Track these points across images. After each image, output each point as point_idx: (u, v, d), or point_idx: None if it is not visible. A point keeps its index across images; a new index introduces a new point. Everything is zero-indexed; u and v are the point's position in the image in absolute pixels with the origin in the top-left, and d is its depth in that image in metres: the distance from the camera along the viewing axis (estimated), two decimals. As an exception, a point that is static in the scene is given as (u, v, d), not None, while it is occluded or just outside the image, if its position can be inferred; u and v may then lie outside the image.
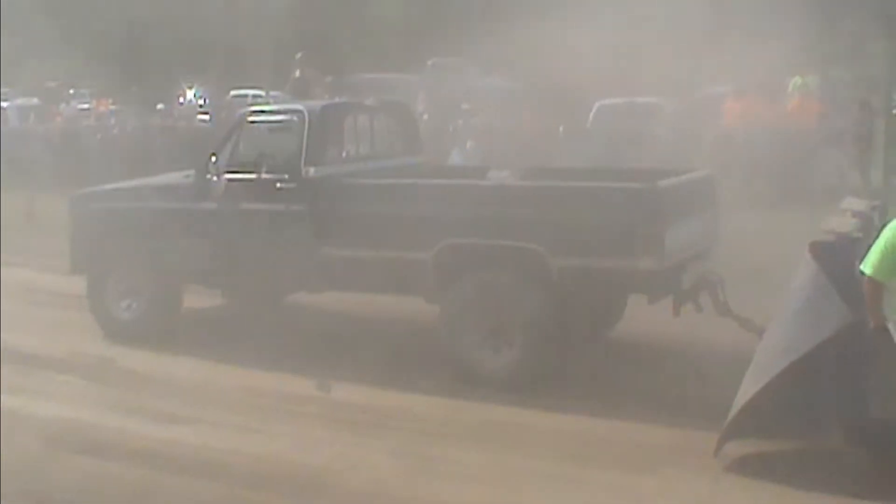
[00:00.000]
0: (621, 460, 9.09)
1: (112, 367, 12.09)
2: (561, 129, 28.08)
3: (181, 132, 30.26)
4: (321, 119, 12.48)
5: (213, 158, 12.38)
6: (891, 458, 8.76)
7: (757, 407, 8.69)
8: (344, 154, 13.26)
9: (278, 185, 12.06)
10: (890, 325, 8.38)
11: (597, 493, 8.55)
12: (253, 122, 12.94)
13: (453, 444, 9.58)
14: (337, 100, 15.49)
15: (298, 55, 34.99)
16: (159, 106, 32.46)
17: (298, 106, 13.05)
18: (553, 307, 10.91)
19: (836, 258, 8.92)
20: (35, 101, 42.43)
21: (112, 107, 38.49)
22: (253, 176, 12.28)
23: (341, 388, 11.11)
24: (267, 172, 12.18)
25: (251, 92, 40.21)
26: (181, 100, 42.57)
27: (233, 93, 40.03)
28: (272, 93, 36.06)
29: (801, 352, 8.54)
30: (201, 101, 40.70)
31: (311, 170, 12.01)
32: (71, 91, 48.75)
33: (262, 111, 13.62)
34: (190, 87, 46.44)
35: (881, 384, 8.57)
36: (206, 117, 32.98)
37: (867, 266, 8.28)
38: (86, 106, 40.28)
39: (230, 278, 12.90)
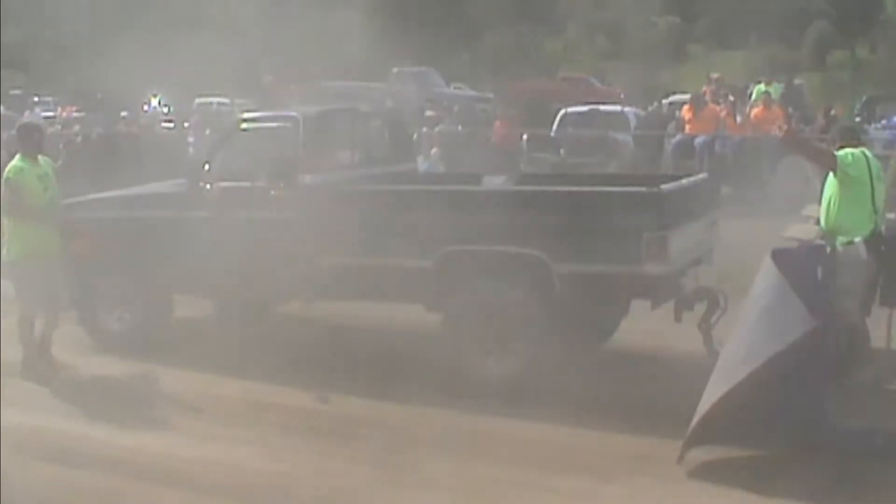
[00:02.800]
0: (586, 468, 9.11)
1: (77, 375, 12.04)
2: (524, 136, 28.14)
3: (146, 140, 30.13)
4: (316, 126, 12.31)
5: (206, 166, 12.22)
6: (851, 463, 8.85)
7: (720, 414, 8.74)
8: (339, 161, 13.17)
9: (273, 192, 11.83)
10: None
11: (561, 501, 8.59)
12: (245, 129, 12.82)
13: (419, 452, 9.56)
14: (331, 106, 15.38)
15: (264, 63, 34.96)
16: (123, 113, 32.29)
17: (292, 112, 12.76)
18: (556, 314, 10.80)
19: (798, 265, 8.98)
20: (-1, 108, 42.23)
21: (77, 114, 38.34)
22: (247, 184, 12.11)
23: (309, 397, 11.09)
24: (261, 180, 11.98)
25: (216, 100, 40.18)
26: (146, 107, 42.48)
27: (198, 100, 39.94)
28: (238, 100, 36.02)
29: (763, 358, 8.59)
30: (166, 109, 40.64)
31: (307, 177, 11.83)
32: (35, 98, 48.62)
33: (255, 118, 13.52)
34: (155, 95, 46.39)
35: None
36: (171, 125, 32.89)
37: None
38: (50, 113, 40.12)
39: (223, 288, 12.65)
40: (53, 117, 38.60)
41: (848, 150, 10.60)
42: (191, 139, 30.33)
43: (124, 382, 11.78)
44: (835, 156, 10.52)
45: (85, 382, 11.88)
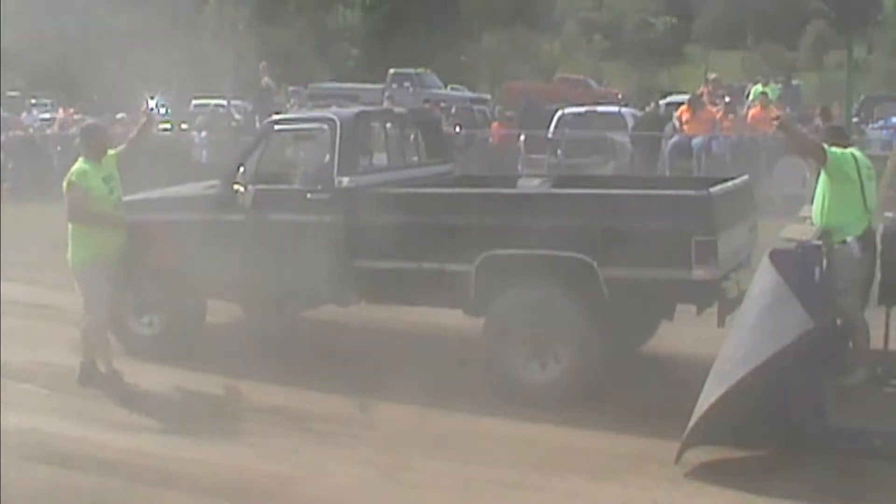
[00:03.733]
0: (583, 468, 9.11)
1: (73, 377, 12.01)
2: (522, 137, 28.20)
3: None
4: (353, 128, 12.07)
5: (241, 169, 11.99)
6: (850, 464, 8.86)
7: (717, 414, 8.74)
8: (375, 163, 13.06)
9: (309, 195, 11.70)
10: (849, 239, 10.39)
11: (559, 501, 8.58)
12: (280, 130, 12.66)
13: (416, 453, 9.57)
14: (368, 108, 15.18)
15: (262, 65, 35.00)
16: (120, 115, 32.20)
17: (329, 114, 12.62)
18: (602, 320, 10.62)
19: (796, 265, 8.99)
20: (-4, 110, 42.22)
21: (75, 116, 38.27)
22: (282, 186, 12.02)
23: (307, 398, 11.10)
24: (297, 182, 11.90)
25: (213, 101, 40.15)
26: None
27: (195, 102, 39.91)
28: (234, 102, 36.01)
29: (761, 359, 8.60)
30: (163, 110, 40.57)
31: (344, 179, 11.63)
32: (32, 100, 48.59)
33: (290, 119, 13.41)
34: (152, 97, 46.30)
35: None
36: (168, 126, 32.82)
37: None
38: (47, 115, 40.08)
39: (257, 292, 12.45)
40: (51, 119, 38.57)
41: (836, 149, 10.67)
42: (197, 140, 30.38)
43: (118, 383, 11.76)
44: (824, 149, 10.57)
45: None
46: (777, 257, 8.99)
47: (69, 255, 11.54)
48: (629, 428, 9.88)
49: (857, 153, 10.80)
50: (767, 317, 8.80)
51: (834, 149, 10.67)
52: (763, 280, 8.98)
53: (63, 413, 10.85)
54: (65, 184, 11.46)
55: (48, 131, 34.53)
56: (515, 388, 10.80)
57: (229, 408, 10.93)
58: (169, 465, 9.39)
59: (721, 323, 10.50)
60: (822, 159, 10.61)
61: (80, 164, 11.55)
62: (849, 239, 10.38)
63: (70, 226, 11.51)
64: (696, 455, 9.03)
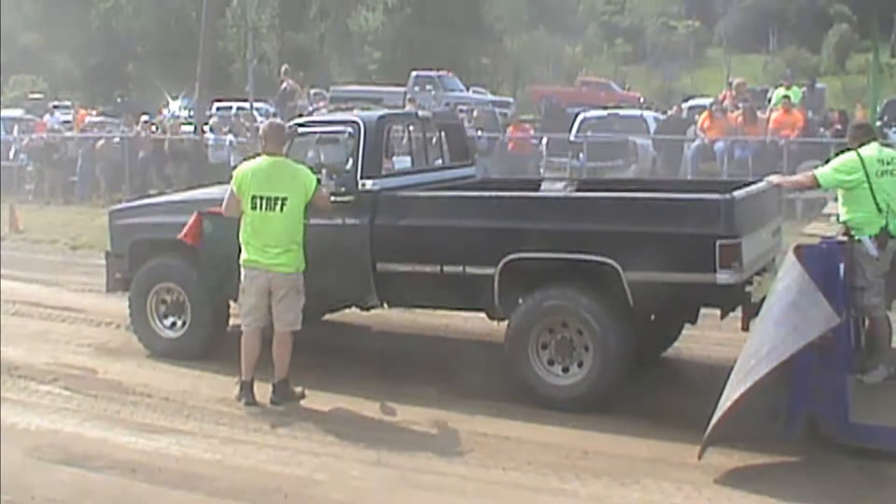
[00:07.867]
0: (604, 472, 9.07)
1: (94, 378, 12.03)
2: (544, 139, 28.17)
3: (170, 143, 30.10)
4: (377, 131, 12.03)
5: None
6: (874, 467, 8.81)
7: (741, 410, 8.70)
8: (399, 166, 13.00)
9: (333, 198, 11.55)
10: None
11: (580, 505, 8.57)
12: (304, 133, 12.55)
13: (437, 456, 9.56)
14: (392, 111, 15.06)
15: (284, 67, 35.04)
16: (144, 118, 32.24)
17: (353, 117, 12.60)
18: (626, 324, 10.57)
19: (820, 261, 8.95)
20: (19, 112, 42.39)
21: (97, 118, 38.35)
22: None
23: (325, 400, 11.09)
24: (320, 185, 11.66)
25: (235, 104, 40.20)
26: (164, 111, 42.48)
27: (217, 105, 39.94)
28: (257, 104, 36.06)
29: (785, 354, 8.56)
30: (187, 112, 40.61)
31: (368, 182, 11.61)
32: (55, 103, 48.77)
33: (314, 122, 13.40)
34: (175, 98, 46.51)
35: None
36: (191, 128, 32.80)
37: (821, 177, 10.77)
38: (69, 118, 40.20)
39: None
40: (72, 122, 38.69)
41: (841, 157, 10.77)
42: (211, 142, 30.39)
43: (138, 385, 11.75)
44: (815, 177, 10.84)
45: (100, 385, 11.85)
46: (802, 252, 8.96)
47: (297, 262, 11.13)
48: (650, 432, 9.87)
49: (868, 153, 10.65)
50: (792, 312, 8.76)
51: (826, 168, 10.85)
52: (788, 275, 8.95)
53: (84, 414, 10.84)
54: (312, 185, 10.98)
55: (68, 133, 34.50)
56: (538, 391, 10.76)
57: (250, 410, 10.89)
58: (189, 467, 9.38)
59: (745, 326, 10.38)
60: (816, 185, 10.96)
61: (297, 164, 11.17)
62: (862, 238, 10.35)
63: (298, 230, 11.05)
64: (719, 458, 9.00)
